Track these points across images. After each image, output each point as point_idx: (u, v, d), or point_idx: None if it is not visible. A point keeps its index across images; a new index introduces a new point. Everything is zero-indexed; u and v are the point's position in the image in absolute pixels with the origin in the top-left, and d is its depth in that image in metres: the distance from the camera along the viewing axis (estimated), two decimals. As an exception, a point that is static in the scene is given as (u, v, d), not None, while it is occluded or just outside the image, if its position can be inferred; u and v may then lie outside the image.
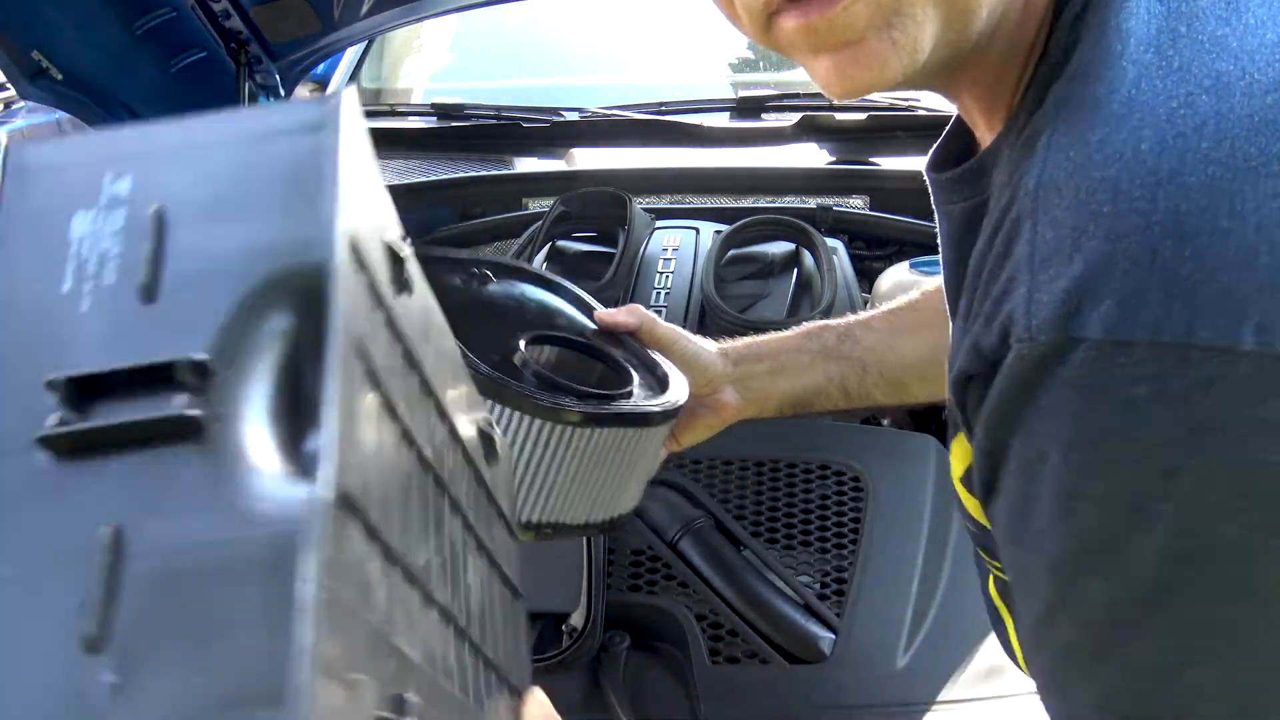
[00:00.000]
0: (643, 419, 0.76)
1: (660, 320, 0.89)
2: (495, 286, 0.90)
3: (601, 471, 0.76)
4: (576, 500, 0.75)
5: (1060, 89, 0.47)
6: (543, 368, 0.82)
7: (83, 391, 0.29)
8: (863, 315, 0.96)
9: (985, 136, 0.59)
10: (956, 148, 0.63)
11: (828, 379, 0.92)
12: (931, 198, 0.63)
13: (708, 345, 0.90)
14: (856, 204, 1.71)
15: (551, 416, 0.71)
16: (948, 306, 0.67)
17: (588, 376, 0.84)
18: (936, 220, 0.63)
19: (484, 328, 0.82)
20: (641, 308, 0.90)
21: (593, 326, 0.91)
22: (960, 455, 0.58)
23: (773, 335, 0.95)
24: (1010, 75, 0.53)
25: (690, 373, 0.87)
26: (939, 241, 0.66)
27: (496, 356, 0.76)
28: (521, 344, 0.78)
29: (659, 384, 0.83)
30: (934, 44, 0.48)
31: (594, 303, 0.93)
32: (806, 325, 0.96)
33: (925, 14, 0.47)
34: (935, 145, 0.65)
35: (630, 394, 0.78)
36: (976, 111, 0.58)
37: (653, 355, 0.87)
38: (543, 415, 0.71)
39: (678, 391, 0.82)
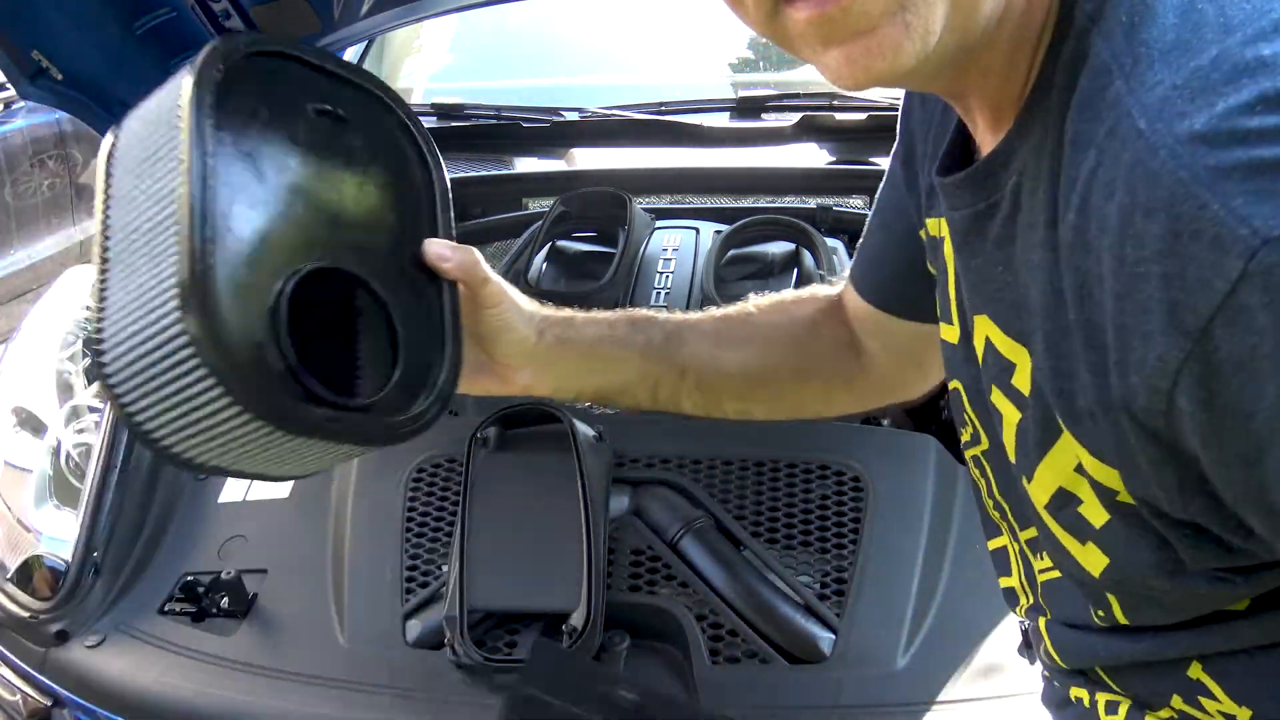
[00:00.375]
0: (363, 439, 0.64)
1: (493, 277, 0.76)
2: (349, 138, 0.70)
3: (301, 455, 0.64)
4: (262, 462, 0.63)
5: (1115, 44, 0.46)
6: (326, 301, 0.66)
7: None
8: (694, 316, 0.89)
9: (987, 139, 0.58)
10: (958, 155, 0.63)
11: (641, 377, 0.85)
12: (943, 204, 0.62)
13: (525, 318, 0.80)
14: (856, 204, 1.71)
15: (254, 417, 0.58)
16: (953, 314, 0.66)
17: (370, 329, 0.69)
18: (947, 225, 0.63)
19: (283, 212, 0.64)
20: (478, 257, 0.75)
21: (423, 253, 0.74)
22: (1051, 477, 0.55)
23: (600, 317, 0.85)
24: (1020, 65, 0.53)
25: (497, 343, 0.78)
26: (948, 252, 0.65)
27: (256, 286, 0.60)
28: (283, 288, 0.61)
29: (424, 381, 0.68)
30: (944, 27, 0.47)
31: (446, 219, 0.75)
32: (635, 313, 0.87)
33: None
34: (940, 151, 0.64)
35: (377, 400, 0.65)
36: (981, 112, 0.58)
37: (453, 329, 0.72)
38: (247, 411, 0.57)
39: (430, 407, 0.67)
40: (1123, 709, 0.65)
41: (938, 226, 0.67)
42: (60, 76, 1.49)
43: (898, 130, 0.76)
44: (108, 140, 0.67)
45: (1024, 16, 0.51)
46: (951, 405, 0.71)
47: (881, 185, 0.82)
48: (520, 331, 0.79)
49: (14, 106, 3.70)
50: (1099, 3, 0.48)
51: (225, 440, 0.59)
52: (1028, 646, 1.02)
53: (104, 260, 0.63)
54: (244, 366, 0.57)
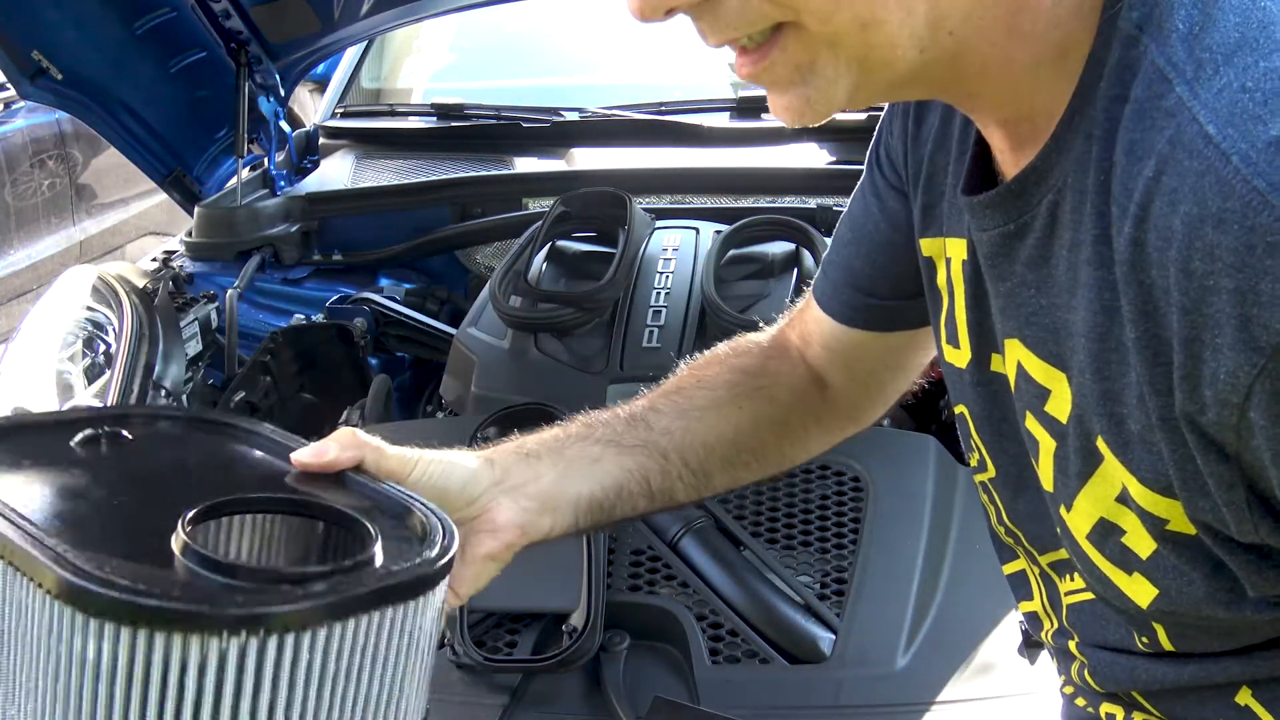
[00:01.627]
0: (405, 589, 0.52)
1: (389, 446, 0.66)
2: (140, 447, 0.63)
3: (359, 686, 0.51)
4: None
5: (1172, 52, 0.45)
6: (245, 549, 0.59)
7: None
8: (645, 399, 0.81)
9: (1008, 156, 0.56)
10: (981, 173, 0.60)
11: (627, 473, 0.74)
12: (969, 223, 0.60)
13: (462, 459, 0.69)
14: (856, 204, 1.71)
15: (252, 625, 0.46)
16: (961, 337, 0.64)
17: (310, 548, 0.61)
18: (970, 247, 0.60)
19: (127, 512, 0.57)
20: (361, 435, 0.65)
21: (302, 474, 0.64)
22: (1091, 507, 0.54)
23: (545, 432, 0.76)
24: (1044, 79, 0.50)
25: (447, 496, 0.66)
26: (957, 274, 0.63)
27: (153, 550, 0.50)
28: (182, 526, 0.51)
29: (414, 531, 0.58)
30: (852, 96, 0.50)
31: (291, 439, 0.66)
32: (580, 418, 0.78)
33: (837, 72, 0.49)
34: (955, 168, 0.62)
35: (372, 559, 0.53)
36: (1000, 128, 0.55)
37: (395, 491, 0.62)
38: (233, 628, 0.45)
39: (442, 535, 0.57)
40: None
41: (939, 247, 0.65)
42: (60, 76, 1.50)
43: (876, 148, 0.74)
44: None
45: (1048, 29, 0.49)
46: (958, 431, 0.69)
47: (851, 200, 0.79)
48: (460, 474, 0.68)
49: (14, 106, 3.70)
50: (1147, 10, 0.46)
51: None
52: (1028, 646, 1.02)
53: None
54: (178, 597, 0.46)
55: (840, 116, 1.87)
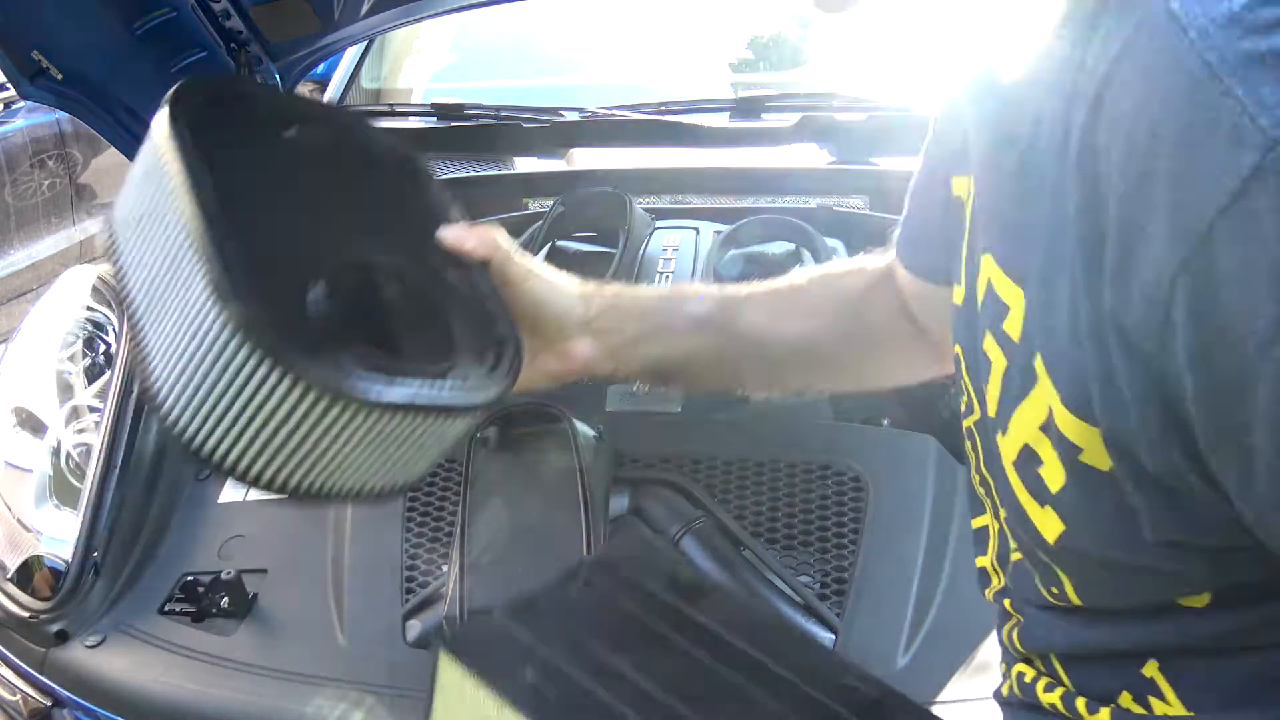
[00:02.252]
0: (449, 411, 0.63)
1: (516, 254, 0.74)
2: (331, 155, 0.72)
3: (389, 451, 0.63)
4: (350, 472, 0.63)
5: None
6: (360, 295, 0.67)
7: None
8: (744, 289, 0.84)
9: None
10: None
11: (702, 348, 0.81)
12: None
13: (567, 286, 0.77)
14: (856, 204, 1.71)
15: (320, 392, 0.57)
16: (962, 274, 0.63)
17: (407, 311, 0.69)
18: (974, 183, 0.60)
19: (292, 225, 0.66)
20: (503, 235, 0.73)
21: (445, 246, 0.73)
22: (1020, 432, 0.53)
23: (646, 291, 0.83)
24: None
25: (540, 318, 0.75)
26: (966, 210, 0.62)
27: (290, 286, 0.61)
28: (320, 286, 0.62)
29: (490, 355, 0.68)
30: None
31: (454, 209, 0.76)
32: (681, 286, 0.86)
33: None
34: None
35: (446, 370, 0.64)
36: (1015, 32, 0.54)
37: (499, 306, 0.71)
38: (306, 387, 0.56)
39: (504, 376, 0.67)
40: (1059, 690, 0.63)
41: (964, 185, 0.65)
42: (60, 76, 1.49)
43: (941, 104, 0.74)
44: (104, 231, 0.69)
45: None
46: (955, 372, 0.69)
47: (923, 147, 0.79)
48: (560, 304, 0.76)
49: (14, 106, 3.70)
50: None
51: (314, 443, 0.58)
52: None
53: (136, 328, 0.62)
54: (302, 344, 0.57)
55: (840, 117, 1.89)
